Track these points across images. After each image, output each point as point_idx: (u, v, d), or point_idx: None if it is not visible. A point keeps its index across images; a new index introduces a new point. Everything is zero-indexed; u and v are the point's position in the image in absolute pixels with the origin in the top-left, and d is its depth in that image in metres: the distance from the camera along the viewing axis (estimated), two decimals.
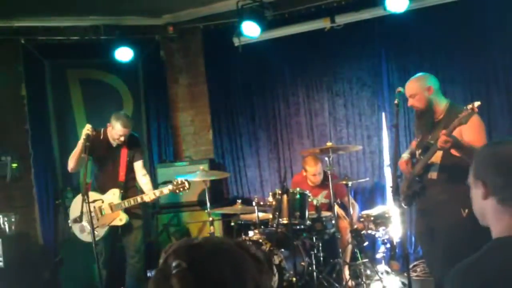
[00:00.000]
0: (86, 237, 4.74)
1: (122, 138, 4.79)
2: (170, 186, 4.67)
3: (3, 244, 5.32)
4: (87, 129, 4.65)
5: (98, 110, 6.41)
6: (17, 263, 5.42)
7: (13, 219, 5.67)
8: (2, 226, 5.64)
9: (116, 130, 4.76)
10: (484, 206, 1.63)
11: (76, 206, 4.72)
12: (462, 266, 1.55)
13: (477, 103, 3.22)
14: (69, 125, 6.57)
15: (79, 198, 4.71)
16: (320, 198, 5.46)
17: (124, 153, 4.89)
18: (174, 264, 0.92)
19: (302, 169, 5.73)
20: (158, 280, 0.94)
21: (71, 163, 4.85)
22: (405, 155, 4.07)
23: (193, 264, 0.91)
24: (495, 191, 1.59)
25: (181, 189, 4.63)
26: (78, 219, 4.59)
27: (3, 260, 5.29)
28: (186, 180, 4.66)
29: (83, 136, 4.62)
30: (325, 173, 5.50)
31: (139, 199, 4.70)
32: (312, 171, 5.53)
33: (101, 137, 4.90)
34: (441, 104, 3.78)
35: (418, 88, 3.77)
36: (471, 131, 3.45)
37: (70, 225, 4.86)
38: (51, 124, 6.47)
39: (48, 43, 6.35)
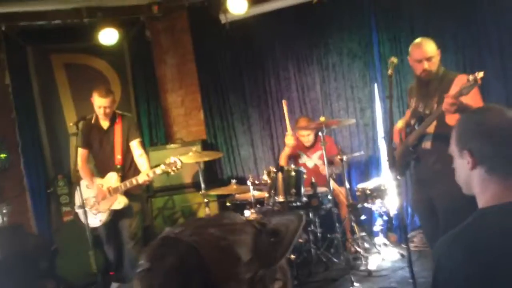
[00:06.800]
0: (91, 222, 4.77)
1: (107, 110, 4.72)
2: (162, 166, 4.60)
3: None
4: None
5: (85, 95, 6.23)
6: (13, 254, 5.36)
7: (5, 211, 5.59)
8: None
9: (96, 103, 4.72)
10: (471, 176, 1.62)
11: (78, 193, 4.77)
12: (448, 236, 1.56)
13: (480, 74, 3.11)
14: (56, 112, 6.45)
15: (81, 184, 4.85)
16: (314, 159, 5.63)
17: (118, 135, 4.81)
18: (140, 262, 0.91)
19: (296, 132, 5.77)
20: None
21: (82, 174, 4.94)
22: (399, 123, 4.00)
23: (152, 265, 0.90)
24: (483, 161, 1.57)
25: (174, 168, 4.56)
26: (81, 206, 4.66)
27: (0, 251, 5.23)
28: (179, 159, 4.59)
29: None
30: (317, 135, 5.56)
31: (134, 181, 4.63)
32: (303, 133, 5.60)
33: (93, 121, 4.87)
34: (440, 70, 3.69)
35: (435, 50, 3.65)
36: (469, 101, 3.37)
37: (76, 210, 4.93)
38: (37, 111, 6.34)
39: (29, 28, 6.16)
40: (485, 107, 1.68)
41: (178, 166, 4.57)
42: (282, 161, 5.70)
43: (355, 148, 5.94)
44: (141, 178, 4.61)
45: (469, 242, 1.48)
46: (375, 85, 5.92)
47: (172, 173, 4.64)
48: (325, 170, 4.91)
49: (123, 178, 4.73)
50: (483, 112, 1.67)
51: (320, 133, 4.87)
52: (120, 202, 4.72)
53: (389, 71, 3.55)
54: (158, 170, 4.60)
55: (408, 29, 5.57)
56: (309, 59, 6.22)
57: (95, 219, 4.80)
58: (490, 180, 1.56)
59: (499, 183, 1.55)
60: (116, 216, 4.81)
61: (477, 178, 1.60)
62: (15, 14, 6.06)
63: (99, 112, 4.73)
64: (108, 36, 6.11)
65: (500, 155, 1.55)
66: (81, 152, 4.91)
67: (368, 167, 6.03)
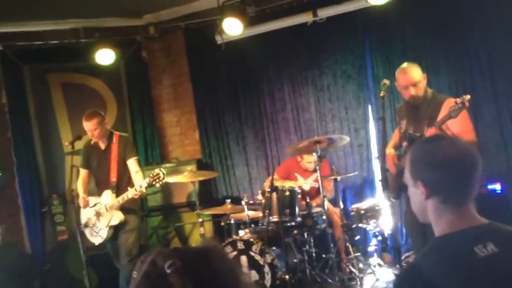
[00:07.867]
0: (95, 240, 4.93)
1: (95, 133, 4.85)
2: (147, 179, 4.64)
3: None
4: None
5: (81, 115, 6.27)
6: (6, 273, 5.33)
7: None
8: None
9: (84, 128, 4.86)
10: (425, 205, 1.63)
11: (83, 212, 4.97)
12: (407, 268, 1.60)
13: (467, 97, 3.18)
14: (52, 132, 6.46)
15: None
16: (310, 182, 5.58)
17: (114, 154, 4.92)
18: (167, 263, 0.91)
19: (298, 156, 5.77)
20: (151, 280, 0.93)
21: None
22: (389, 150, 4.03)
23: (186, 262, 0.92)
24: (437, 191, 1.59)
25: (157, 180, 4.59)
26: (86, 224, 4.93)
27: None
28: (161, 171, 4.61)
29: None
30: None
31: (125, 197, 4.71)
32: (309, 158, 5.57)
33: (92, 142, 5.00)
34: (429, 93, 3.76)
35: (420, 75, 3.71)
36: (459, 124, 3.42)
37: (82, 229, 5.02)
38: (33, 131, 6.36)
39: (26, 48, 6.20)
40: (436, 136, 1.69)
41: (161, 178, 4.60)
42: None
43: (349, 169, 5.97)
44: (131, 193, 4.68)
45: (428, 274, 1.50)
46: (369, 106, 5.98)
47: (157, 185, 4.69)
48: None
49: (118, 196, 4.80)
50: (434, 142, 1.67)
51: (315, 154, 4.91)
52: (117, 217, 4.80)
53: (382, 93, 3.60)
54: (144, 183, 4.65)
55: (401, 51, 5.65)
56: (304, 80, 6.28)
57: (98, 237, 4.90)
58: (445, 210, 1.59)
59: (453, 212, 1.58)
60: (115, 231, 4.89)
61: (432, 207, 1.61)
62: (13, 34, 6.12)
63: (89, 135, 4.90)
64: (105, 56, 6.16)
65: (453, 186, 1.57)
66: (82, 173, 5.09)
67: (362, 187, 6.05)
